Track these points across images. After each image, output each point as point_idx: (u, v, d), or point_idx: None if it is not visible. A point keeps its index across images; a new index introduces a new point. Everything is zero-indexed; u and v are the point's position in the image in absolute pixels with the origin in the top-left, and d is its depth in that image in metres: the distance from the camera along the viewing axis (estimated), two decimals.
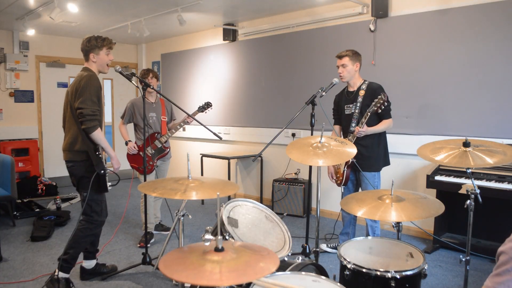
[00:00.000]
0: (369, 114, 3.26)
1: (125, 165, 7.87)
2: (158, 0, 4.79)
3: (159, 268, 1.33)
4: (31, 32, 5.86)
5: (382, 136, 3.47)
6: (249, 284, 1.68)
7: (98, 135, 2.87)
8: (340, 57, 3.43)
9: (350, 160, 3.40)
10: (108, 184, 2.97)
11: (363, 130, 3.29)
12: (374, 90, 3.38)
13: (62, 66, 6.99)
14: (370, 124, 3.34)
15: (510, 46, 3.65)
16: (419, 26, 4.18)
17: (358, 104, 3.40)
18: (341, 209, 3.72)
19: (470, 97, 3.89)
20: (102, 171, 2.89)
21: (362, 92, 3.41)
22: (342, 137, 3.55)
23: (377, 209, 2.02)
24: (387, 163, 3.55)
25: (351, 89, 3.53)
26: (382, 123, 3.39)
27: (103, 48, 3.07)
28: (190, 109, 4.31)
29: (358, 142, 3.32)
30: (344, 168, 3.48)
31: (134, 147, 4.02)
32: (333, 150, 2.54)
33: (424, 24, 4.15)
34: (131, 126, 4.22)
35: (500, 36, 3.70)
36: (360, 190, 3.57)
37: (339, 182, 3.57)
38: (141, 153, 4.00)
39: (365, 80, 3.49)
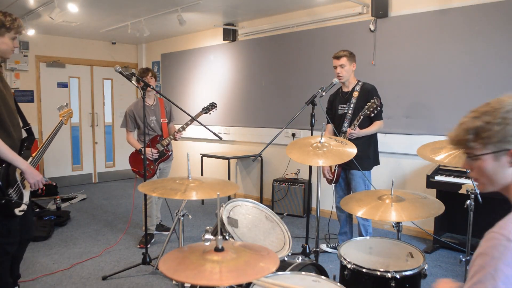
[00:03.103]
0: (361, 117, 3.31)
1: (124, 166, 7.85)
2: (158, 0, 4.79)
3: (159, 268, 1.33)
4: (31, 32, 5.86)
5: (372, 136, 3.51)
6: (249, 284, 1.68)
7: None
8: (338, 57, 3.45)
9: None
10: (17, 210, 2.38)
11: (355, 132, 3.33)
12: (368, 91, 3.41)
13: (62, 66, 6.99)
14: (362, 125, 3.38)
15: (510, 46, 3.65)
16: (419, 26, 4.18)
17: (352, 105, 3.45)
18: (336, 209, 3.74)
19: (470, 97, 3.89)
20: (3, 201, 2.29)
21: (356, 93, 3.45)
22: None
23: (377, 209, 2.02)
24: (377, 162, 3.59)
25: (345, 90, 3.56)
26: (374, 125, 3.44)
27: (11, 31, 2.39)
28: (190, 110, 4.31)
29: (353, 141, 3.35)
30: (335, 166, 3.51)
31: (152, 151, 3.97)
32: (333, 150, 2.54)
33: (424, 24, 4.15)
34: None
35: (500, 36, 3.70)
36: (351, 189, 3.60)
37: (330, 180, 3.60)
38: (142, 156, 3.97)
39: (359, 81, 3.52)
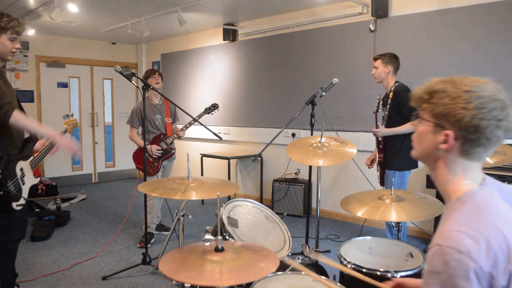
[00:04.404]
0: (373, 114, 3.33)
1: (124, 165, 7.84)
2: (158, 0, 4.79)
3: (159, 268, 1.33)
4: (31, 32, 5.86)
5: (407, 136, 3.39)
6: (249, 284, 1.68)
7: (16, 119, 2.25)
8: (374, 59, 3.50)
9: (377, 159, 3.46)
10: (15, 204, 2.34)
11: (378, 130, 3.33)
12: (395, 93, 3.37)
13: (62, 66, 6.99)
14: (393, 125, 3.35)
15: (510, 46, 3.65)
16: (419, 26, 4.18)
17: (387, 107, 3.42)
18: (386, 224, 3.65)
19: None
20: (1, 193, 2.26)
21: (391, 95, 3.42)
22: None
23: (377, 209, 2.02)
24: (414, 165, 3.47)
25: (388, 92, 3.54)
26: (406, 124, 3.34)
27: (7, 31, 2.35)
28: (190, 110, 4.31)
29: (386, 141, 3.39)
30: (378, 167, 3.49)
31: (157, 149, 4.03)
32: (333, 150, 2.54)
33: (424, 24, 4.15)
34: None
35: (500, 36, 3.70)
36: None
37: (379, 181, 3.58)
38: (156, 151, 4.03)
39: (396, 81, 3.46)
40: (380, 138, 3.39)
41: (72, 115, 3.06)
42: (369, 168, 3.72)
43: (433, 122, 1.06)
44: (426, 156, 1.12)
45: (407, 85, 4.40)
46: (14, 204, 2.34)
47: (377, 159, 3.48)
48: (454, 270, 0.93)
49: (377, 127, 3.35)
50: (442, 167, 1.08)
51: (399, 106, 3.32)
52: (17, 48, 2.43)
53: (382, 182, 3.53)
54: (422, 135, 1.11)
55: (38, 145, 2.64)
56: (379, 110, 3.44)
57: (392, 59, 3.47)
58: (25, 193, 2.46)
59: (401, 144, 3.42)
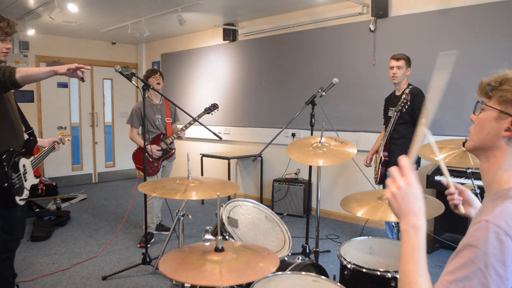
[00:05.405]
0: (394, 113, 3.34)
1: (124, 165, 7.84)
2: (158, 0, 4.79)
3: (159, 268, 1.33)
4: (31, 32, 5.86)
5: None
6: (249, 284, 1.68)
7: (21, 73, 2.19)
8: (397, 58, 3.46)
9: (383, 158, 3.45)
10: (18, 198, 2.33)
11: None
12: (414, 96, 3.36)
13: None
14: (404, 126, 3.38)
15: (509, 46, 3.65)
16: (419, 26, 4.18)
17: (398, 107, 3.42)
18: (386, 223, 3.68)
19: (470, 97, 3.88)
20: (6, 184, 2.24)
21: (404, 96, 3.42)
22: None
23: (377, 209, 2.02)
24: (416, 167, 3.50)
25: (397, 93, 3.55)
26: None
27: None
28: (190, 110, 4.31)
29: (392, 140, 3.41)
30: (379, 166, 3.49)
31: (158, 150, 4.04)
32: (333, 150, 2.54)
33: (424, 24, 4.15)
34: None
35: (500, 36, 3.70)
36: None
37: (375, 179, 3.60)
38: (157, 151, 4.04)
39: (409, 84, 3.48)
40: (387, 137, 3.41)
41: (65, 128, 3.14)
42: (367, 166, 3.75)
43: (499, 109, 1.06)
44: (482, 145, 1.11)
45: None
46: (17, 198, 2.33)
47: (380, 158, 3.48)
48: (492, 250, 0.88)
49: (392, 125, 3.38)
50: (498, 157, 1.08)
51: (413, 107, 3.32)
52: (8, 49, 2.38)
53: (380, 181, 3.54)
54: (484, 122, 1.10)
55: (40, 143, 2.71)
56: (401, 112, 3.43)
57: (411, 62, 3.51)
58: (27, 189, 2.47)
59: (408, 144, 3.42)
